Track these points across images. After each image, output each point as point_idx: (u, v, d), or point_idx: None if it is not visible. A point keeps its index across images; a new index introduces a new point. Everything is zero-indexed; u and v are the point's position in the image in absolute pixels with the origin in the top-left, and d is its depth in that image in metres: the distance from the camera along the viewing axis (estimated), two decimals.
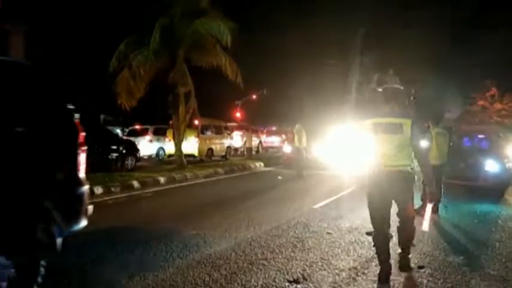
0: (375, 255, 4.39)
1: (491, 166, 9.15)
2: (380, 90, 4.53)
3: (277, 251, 5.02)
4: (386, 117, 4.13)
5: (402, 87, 4.54)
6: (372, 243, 4.36)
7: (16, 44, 9.41)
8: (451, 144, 9.72)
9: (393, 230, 4.48)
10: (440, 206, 7.63)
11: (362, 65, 15.04)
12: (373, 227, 4.28)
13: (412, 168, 4.11)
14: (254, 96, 33.85)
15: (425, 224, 4.42)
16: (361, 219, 6.77)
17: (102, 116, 26.84)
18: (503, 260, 4.89)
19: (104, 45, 14.06)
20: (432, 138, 7.44)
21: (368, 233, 5.80)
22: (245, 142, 21.40)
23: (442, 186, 7.51)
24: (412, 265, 4.52)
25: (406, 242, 4.44)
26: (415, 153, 4.08)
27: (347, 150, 10.54)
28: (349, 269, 4.50)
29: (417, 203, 7.47)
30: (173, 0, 12.74)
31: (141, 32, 12.61)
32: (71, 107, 3.98)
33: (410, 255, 4.49)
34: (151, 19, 12.28)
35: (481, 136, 11.17)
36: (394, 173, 4.02)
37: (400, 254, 4.45)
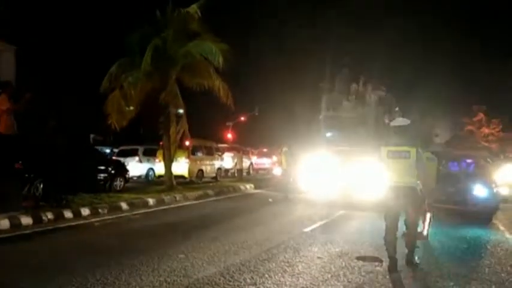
0: (366, 281, 4.45)
1: (479, 191, 9.22)
2: (392, 125, 5.76)
3: (266, 275, 4.94)
4: (397, 146, 5.48)
5: (409, 122, 5.69)
6: (361, 269, 4.38)
7: (7, 62, 9.38)
8: (440, 168, 9.82)
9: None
10: (430, 230, 7.63)
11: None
12: (385, 228, 5.45)
13: (417, 184, 5.40)
14: (242, 118, 34.01)
15: (425, 232, 6.31)
16: (351, 243, 6.74)
17: (91, 136, 26.69)
18: (493, 286, 4.88)
19: (95, 66, 14.10)
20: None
21: (358, 258, 5.77)
22: (236, 163, 21.32)
23: (431, 211, 7.51)
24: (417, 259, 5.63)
25: (411, 243, 5.58)
26: (418, 172, 5.36)
27: (322, 174, 11.02)
28: None
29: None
30: (165, 22, 12.89)
31: (132, 53, 12.67)
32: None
33: (414, 254, 5.60)
34: (143, 40, 12.38)
35: (469, 161, 11.31)
36: (402, 188, 5.36)
37: (407, 253, 5.57)
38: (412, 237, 5.59)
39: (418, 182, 5.45)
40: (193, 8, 12.48)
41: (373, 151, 9.55)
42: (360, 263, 5.60)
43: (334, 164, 10.98)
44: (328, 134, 12.51)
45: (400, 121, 5.74)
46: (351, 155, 10.75)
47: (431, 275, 5.39)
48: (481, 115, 32.76)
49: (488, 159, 11.76)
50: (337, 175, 10.78)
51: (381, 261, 5.70)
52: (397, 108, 13.56)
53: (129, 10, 12.63)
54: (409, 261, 5.55)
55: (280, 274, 5.01)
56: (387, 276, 5.09)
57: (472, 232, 8.01)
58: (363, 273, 5.14)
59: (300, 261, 5.63)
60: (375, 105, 12.63)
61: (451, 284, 4.89)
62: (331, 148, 11.53)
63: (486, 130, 32.27)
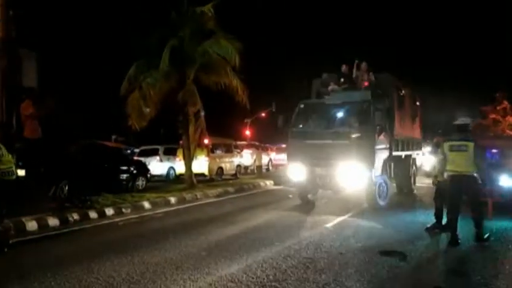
0: (390, 276, 4.55)
1: (505, 181, 8.97)
2: (455, 123, 6.81)
3: (289, 272, 4.95)
4: (458, 140, 6.52)
5: (469, 121, 6.78)
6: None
7: (29, 68, 9.61)
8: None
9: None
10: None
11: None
12: (449, 209, 6.62)
13: (476, 173, 6.38)
14: (263, 114, 33.97)
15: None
16: (374, 238, 6.67)
17: (113, 137, 27.18)
18: None
19: (115, 68, 14.31)
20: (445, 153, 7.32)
21: (382, 253, 5.71)
22: (255, 160, 21.35)
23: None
24: (486, 235, 6.53)
25: (478, 221, 6.53)
26: (476, 163, 6.36)
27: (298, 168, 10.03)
28: None
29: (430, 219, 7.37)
30: (182, 22, 12.97)
31: (150, 54, 12.81)
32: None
33: (483, 231, 6.52)
34: (160, 41, 12.49)
35: (494, 151, 11.00)
36: (463, 176, 6.41)
37: (475, 230, 6.52)
38: (478, 214, 6.54)
39: (475, 171, 6.37)
40: (208, 7, 12.53)
41: (358, 145, 9.08)
42: (384, 258, 5.54)
43: (307, 158, 9.78)
44: (300, 126, 10.28)
45: (463, 120, 6.72)
46: (323, 150, 9.49)
47: (457, 269, 5.31)
48: (505, 103, 31.78)
49: None
50: (311, 169, 9.80)
51: (405, 256, 5.63)
52: (402, 92, 11.43)
53: (145, 12, 12.73)
54: (478, 237, 6.47)
55: (302, 270, 5.01)
56: (412, 271, 5.02)
57: (499, 224, 7.79)
58: (386, 268, 5.08)
59: (322, 257, 5.61)
60: (369, 89, 10.37)
61: (478, 278, 4.79)
62: (300, 142, 9.97)
63: (511, 118, 31.31)
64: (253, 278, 4.74)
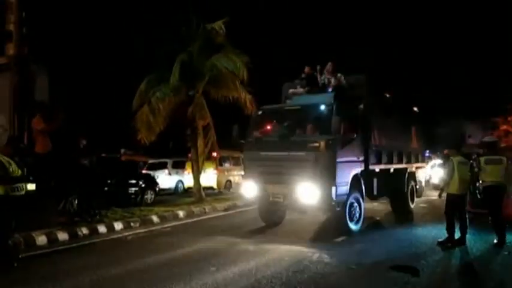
0: None
1: None
2: (484, 140, 8.09)
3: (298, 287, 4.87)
4: (494, 155, 7.42)
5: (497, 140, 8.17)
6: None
7: (41, 83, 9.77)
8: (475, 170, 9.43)
9: None
10: (468, 236, 7.35)
11: None
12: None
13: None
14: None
15: None
16: (385, 253, 6.57)
17: (122, 150, 27.33)
18: None
19: (125, 82, 14.46)
20: (454, 168, 7.25)
21: (393, 268, 5.60)
22: None
23: (467, 217, 7.25)
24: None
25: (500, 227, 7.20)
26: (509, 175, 7.24)
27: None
28: None
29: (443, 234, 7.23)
30: (191, 37, 13.13)
31: (160, 69, 12.95)
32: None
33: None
34: (170, 56, 12.63)
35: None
36: (498, 186, 7.25)
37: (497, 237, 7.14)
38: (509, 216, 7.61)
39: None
40: (218, 24, 12.68)
41: (316, 157, 7.51)
42: (395, 273, 5.43)
43: (260, 173, 8.32)
44: (256, 134, 8.83)
45: (491, 138, 8.14)
46: (277, 164, 8.06)
47: (470, 284, 5.19)
48: None
49: None
50: (263, 187, 8.26)
51: (417, 270, 5.51)
52: (386, 96, 10.21)
53: (155, 27, 12.93)
54: (502, 243, 7.03)
55: (312, 286, 4.93)
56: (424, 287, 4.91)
57: None
58: (399, 284, 4.98)
59: (332, 272, 5.53)
60: (335, 92, 8.79)
61: None
62: (255, 154, 8.52)
63: None
64: None
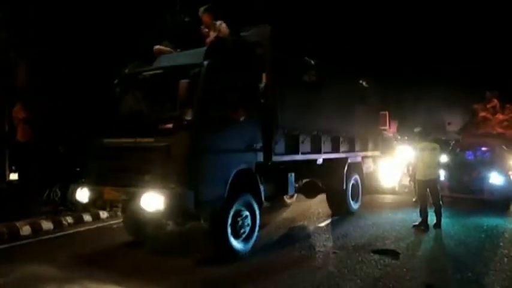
0: (383, 275, 4.72)
1: (495, 179, 9.13)
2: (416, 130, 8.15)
3: (282, 271, 5.00)
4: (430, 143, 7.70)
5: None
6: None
7: (22, 73, 9.56)
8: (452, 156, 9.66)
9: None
10: (447, 220, 7.62)
11: None
12: (420, 201, 7.60)
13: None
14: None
15: None
16: (367, 237, 6.75)
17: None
18: None
19: (108, 69, 14.22)
20: (417, 154, 7.53)
21: (374, 252, 5.79)
22: None
23: (440, 201, 7.48)
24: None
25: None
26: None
27: None
28: None
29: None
30: (176, 25, 12.96)
31: (143, 55, 12.77)
32: None
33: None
34: (154, 44, 12.46)
35: (484, 149, 11.18)
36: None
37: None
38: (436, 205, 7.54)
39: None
40: (201, 10, 12.49)
41: (167, 147, 4.96)
42: (377, 256, 5.61)
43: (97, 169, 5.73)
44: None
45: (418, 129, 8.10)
46: (120, 156, 5.44)
47: (448, 266, 5.40)
48: (495, 101, 32.16)
49: (504, 146, 11.58)
50: (98, 190, 5.56)
51: (397, 254, 5.71)
52: (309, 62, 7.46)
53: (139, 15, 12.73)
54: (437, 225, 7.37)
55: (297, 270, 5.07)
56: (404, 269, 5.11)
57: (490, 221, 7.94)
58: (379, 267, 5.16)
59: (315, 256, 5.68)
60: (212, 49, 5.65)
61: (469, 275, 4.88)
62: (97, 142, 5.80)
63: (501, 116, 31.67)
64: (246, 276, 4.79)
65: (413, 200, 9.65)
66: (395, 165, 12.09)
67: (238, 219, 5.54)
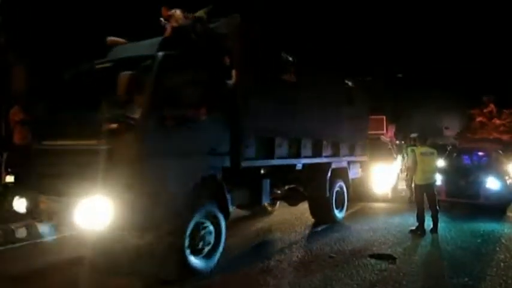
0: (379, 280, 4.69)
1: (492, 183, 9.15)
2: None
3: (279, 276, 4.99)
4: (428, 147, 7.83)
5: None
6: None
7: (19, 74, 9.55)
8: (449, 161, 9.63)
9: None
10: (443, 225, 7.63)
11: None
12: (417, 206, 7.53)
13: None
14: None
15: None
16: (364, 241, 6.75)
17: None
18: (509, 281, 4.86)
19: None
20: (416, 159, 7.52)
21: (371, 256, 5.79)
22: None
23: (437, 205, 7.49)
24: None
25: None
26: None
27: None
28: None
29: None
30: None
31: None
32: None
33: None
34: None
35: (481, 153, 11.22)
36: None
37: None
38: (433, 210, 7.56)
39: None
40: (201, 13, 12.50)
41: (109, 151, 4.18)
42: (373, 261, 5.61)
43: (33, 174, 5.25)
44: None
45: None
46: (58, 159, 4.75)
47: (445, 271, 5.40)
48: (491, 106, 32.40)
49: (500, 151, 11.63)
50: (33, 198, 5.04)
51: (394, 258, 5.71)
52: (285, 57, 6.63)
53: (136, 16, 12.75)
54: (434, 230, 7.37)
55: (293, 274, 5.06)
56: (401, 274, 5.10)
57: (486, 226, 7.95)
58: (376, 272, 5.15)
59: (312, 260, 5.67)
60: (167, 38, 5.39)
61: (466, 279, 4.88)
62: (35, 144, 5.36)
63: (497, 121, 31.89)
64: (242, 281, 4.78)
65: (408, 197, 9.65)
66: (388, 170, 11.60)
67: (199, 234, 4.83)
